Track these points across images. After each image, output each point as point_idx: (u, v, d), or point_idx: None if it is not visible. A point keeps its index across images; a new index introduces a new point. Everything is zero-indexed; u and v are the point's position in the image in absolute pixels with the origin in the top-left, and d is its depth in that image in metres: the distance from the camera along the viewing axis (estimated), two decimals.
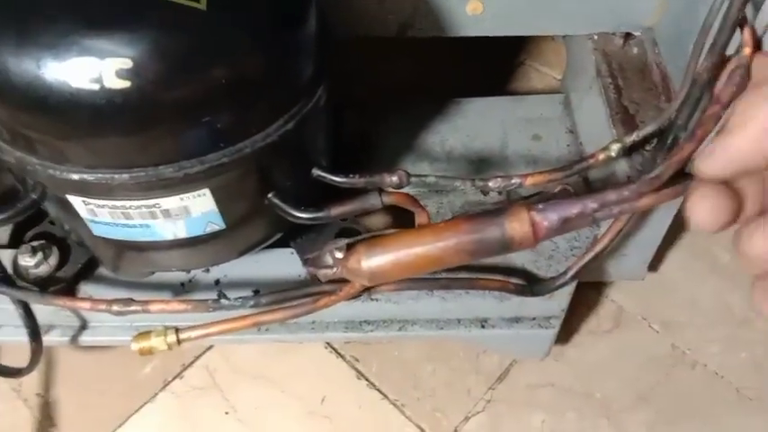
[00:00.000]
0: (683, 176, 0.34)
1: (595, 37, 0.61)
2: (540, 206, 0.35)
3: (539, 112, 0.70)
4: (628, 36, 0.60)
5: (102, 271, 0.59)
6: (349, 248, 0.41)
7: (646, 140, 0.50)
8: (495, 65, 0.92)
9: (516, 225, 0.35)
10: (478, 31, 0.58)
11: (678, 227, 0.66)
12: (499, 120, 0.70)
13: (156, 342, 0.44)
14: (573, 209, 0.34)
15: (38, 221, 0.61)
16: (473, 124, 0.69)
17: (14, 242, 0.61)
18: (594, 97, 0.60)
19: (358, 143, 0.67)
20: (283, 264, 0.58)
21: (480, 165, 0.66)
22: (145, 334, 0.45)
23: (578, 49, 0.67)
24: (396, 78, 0.84)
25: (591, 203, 0.34)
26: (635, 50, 0.60)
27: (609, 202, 0.34)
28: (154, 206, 0.43)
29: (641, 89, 0.58)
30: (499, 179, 0.47)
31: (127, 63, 0.36)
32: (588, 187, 0.61)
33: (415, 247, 0.38)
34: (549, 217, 0.35)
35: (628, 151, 0.51)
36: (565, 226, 0.35)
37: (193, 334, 0.44)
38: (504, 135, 0.68)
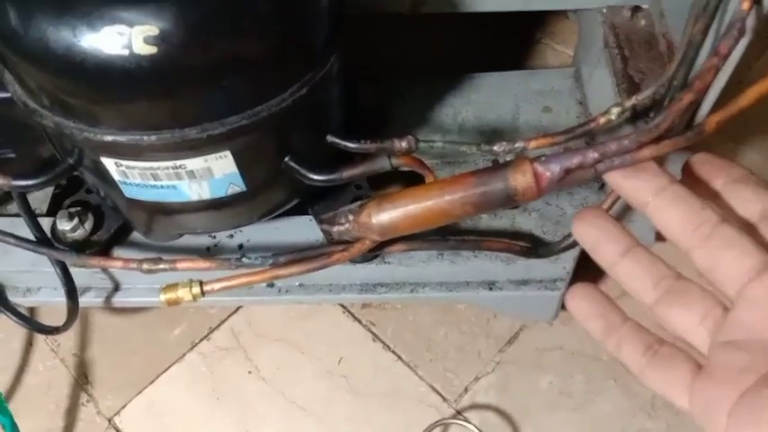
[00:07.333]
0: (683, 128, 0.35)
1: (605, 10, 0.63)
2: (543, 158, 0.37)
3: (550, 86, 0.72)
4: (636, 9, 0.61)
5: (134, 236, 0.63)
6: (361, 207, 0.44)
7: (649, 108, 0.52)
8: (512, 44, 0.94)
9: (519, 176, 0.35)
10: (490, 6, 0.60)
11: None
12: (511, 93, 0.71)
13: (182, 293, 0.47)
14: (574, 159, 0.35)
15: (74, 191, 0.65)
16: (486, 97, 0.71)
17: (53, 211, 0.65)
18: (602, 68, 0.62)
19: (372, 117, 0.70)
20: (302, 230, 0.61)
21: (492, 136, 0.68)
22: (172, 286, 0.48)
23: (589, 23, 0.69)
24: (412, 58, 0.86)
25: (591, 153, 0.35)
26: (642, 22, 0.62)
27: (609, 152, 0.35)
28: (180, 167, 0.47)
29: (647, 59, 0.59)
30: (504, 143, 0.49)
31: (153, 30, 0.39)
32: None
33: (423, 201, 0.39)
34: (551, 168, 0.35)
35: (632, 119, 0.53)
36: (567, 177, 0.36)
37: (216, 286, 0.48)
38: (515, 107, 0.70)
